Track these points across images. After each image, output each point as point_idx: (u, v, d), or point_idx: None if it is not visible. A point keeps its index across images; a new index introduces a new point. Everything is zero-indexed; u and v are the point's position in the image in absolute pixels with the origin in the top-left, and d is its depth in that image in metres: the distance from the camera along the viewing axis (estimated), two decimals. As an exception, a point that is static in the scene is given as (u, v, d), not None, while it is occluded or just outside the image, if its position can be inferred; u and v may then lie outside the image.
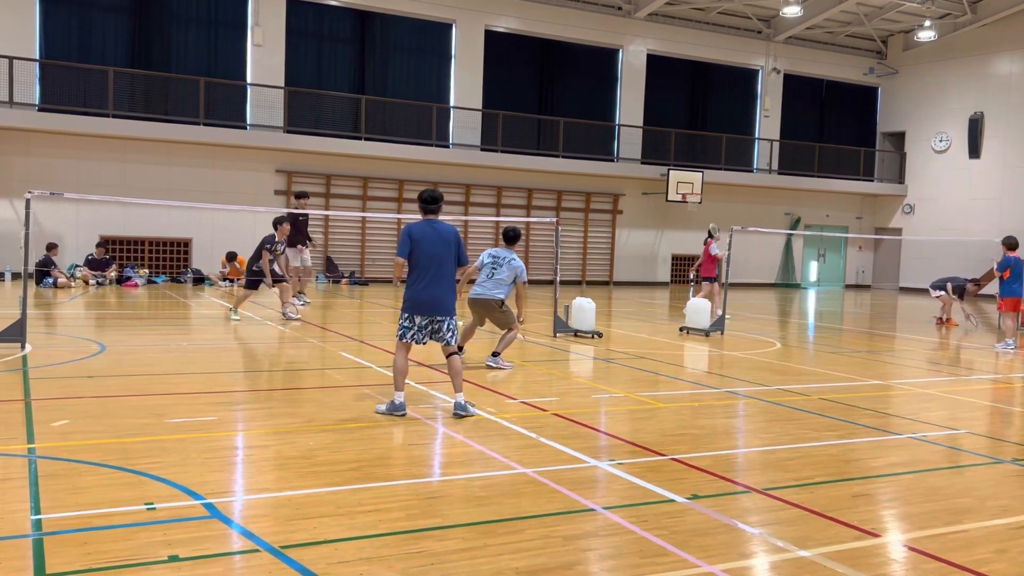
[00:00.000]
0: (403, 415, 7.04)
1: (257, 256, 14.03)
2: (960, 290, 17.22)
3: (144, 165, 22.04)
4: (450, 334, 7.23)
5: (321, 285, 23.01)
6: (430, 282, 7.13)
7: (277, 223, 14.36)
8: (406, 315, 7.22)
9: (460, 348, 10.25)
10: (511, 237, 10.22)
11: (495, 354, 9.99)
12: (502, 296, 9.96)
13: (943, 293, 17.51)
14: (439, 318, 7.17)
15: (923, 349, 13.89)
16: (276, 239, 14.23)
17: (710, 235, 16.45)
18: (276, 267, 14.23)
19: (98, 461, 5.48)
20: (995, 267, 13.86)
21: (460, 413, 7.10)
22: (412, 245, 7.16)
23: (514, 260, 10.06)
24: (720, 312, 14.72)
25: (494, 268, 9.99)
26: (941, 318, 17.75)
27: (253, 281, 14.22)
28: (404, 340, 7.23)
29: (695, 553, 4.23)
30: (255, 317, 14.59)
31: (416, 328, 7.18)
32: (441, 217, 7.47)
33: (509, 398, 8.06)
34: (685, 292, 25.01)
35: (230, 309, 14.45)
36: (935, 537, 4.64)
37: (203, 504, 4.73)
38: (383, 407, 7.16)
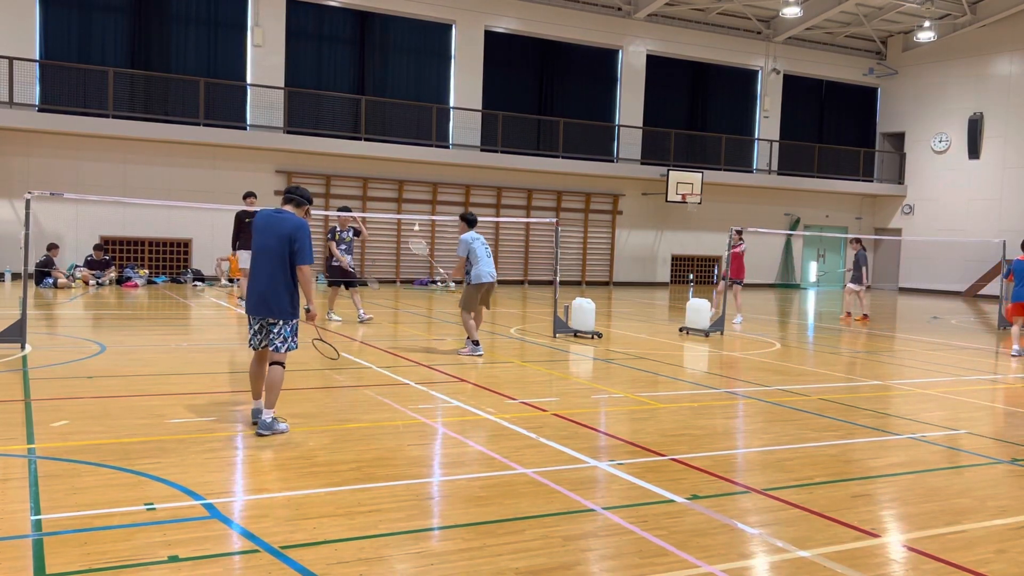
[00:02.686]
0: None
1: (330, 254, 13.90)
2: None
3: (144, 165, 22.03)
4: (280, 339, 6.48)
5: (320, 285, 22.99)
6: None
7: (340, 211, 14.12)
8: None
9: (476, 342, 10.52)
10: (474, 220, 10.97)
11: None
12: None
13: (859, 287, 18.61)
14: (271, 320, 6.47)
15: (922, 350, 13.89)
16: (339, 229, 13.91)
17: (741, 238, 17.11)
18: (341, 263, 13.82)
19: (98, 461, 5.48)
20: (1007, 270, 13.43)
21: (264, 432, 6.29)
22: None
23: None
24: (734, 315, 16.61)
25: (486, 248, 10.87)
26: (849, 313, 18.84)
27: (335, 279, 14.08)
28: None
29: (695, 553, 4.23)
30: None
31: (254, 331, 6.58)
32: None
33: (509, 398, 8.06)
34: (684, 293, 25.00)
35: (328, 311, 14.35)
36: (935, 537, 4.64)
37: (203, 504, 4.73)
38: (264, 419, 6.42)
